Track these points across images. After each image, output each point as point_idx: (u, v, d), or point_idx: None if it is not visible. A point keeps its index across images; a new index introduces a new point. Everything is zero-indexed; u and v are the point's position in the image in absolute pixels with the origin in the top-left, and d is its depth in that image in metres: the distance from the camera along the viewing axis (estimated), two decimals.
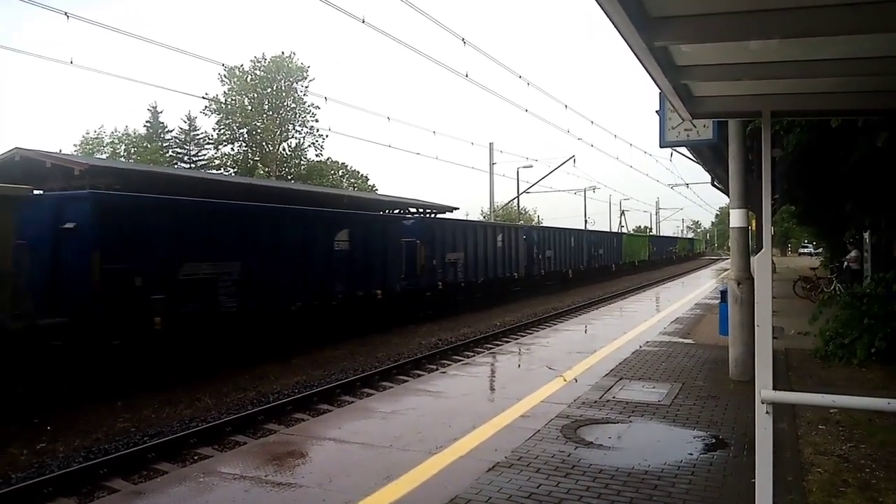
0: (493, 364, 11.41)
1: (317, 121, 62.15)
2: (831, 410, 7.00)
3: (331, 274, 16.91)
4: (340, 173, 66.23)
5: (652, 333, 14.00)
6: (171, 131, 64.35)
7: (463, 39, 20.20)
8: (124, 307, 11.52)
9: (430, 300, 22.55)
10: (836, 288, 18.43)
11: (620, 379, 9.26)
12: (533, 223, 68.44)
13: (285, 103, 60.77)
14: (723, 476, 5.40)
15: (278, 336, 15.24)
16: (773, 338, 3.63)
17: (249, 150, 61.22)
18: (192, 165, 61.39)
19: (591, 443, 6.33)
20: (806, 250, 72.83)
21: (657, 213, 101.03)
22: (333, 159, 66.39)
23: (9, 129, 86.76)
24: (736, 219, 9.42)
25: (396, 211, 32.59)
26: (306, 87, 60.94)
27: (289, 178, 58.76)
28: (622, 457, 5.90)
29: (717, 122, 9.40)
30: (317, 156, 64.58)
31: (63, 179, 17.80)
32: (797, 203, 24.61)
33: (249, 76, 58.85)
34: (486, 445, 6.28)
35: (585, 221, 63.60)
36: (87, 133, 61.93)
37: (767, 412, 3.43)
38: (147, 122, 63.76)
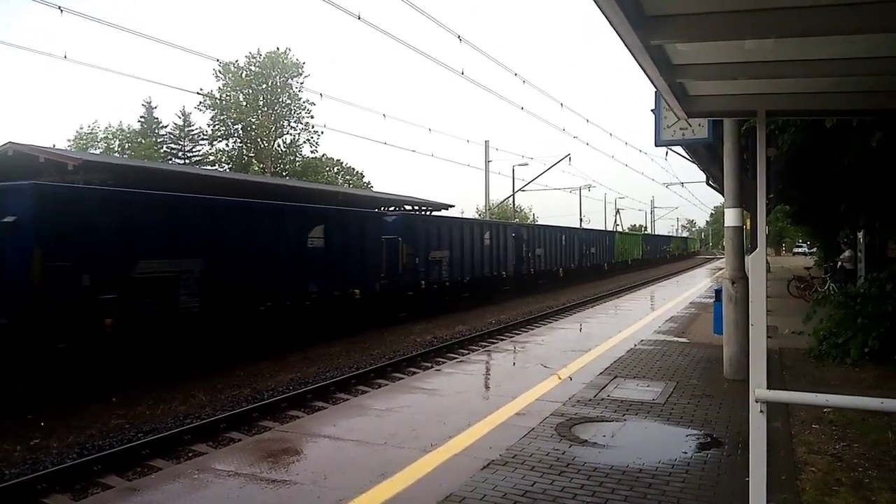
0: (488, 362, 11.41)
1: (312, 117, 62.25)
2: (825, 410, 7.03)
3: (304, 272, 16.08)
4: (336, 170, 66.23)
5: (646, 332, 14.03)
6: (165, 127, 64.29)
7: (459, 37, 20.18)
8: (70, 308, 10.72)
9: (412, 300, 21.74)
10: (830, 287, 18.48)
11: (615, 377, 9.28)
12: (528, 221, 68.50)
13: (280, 99, 60.74)
14: (717, 475, 5.41)
15: (246, 338, 14.38)
16: (768, 337, 3.64)
17: (244, 147, 61.17)
18: (187, 161, 61.29)
19: (586, 441, 6.34)
20: (800, 250, 73.08)
21: (652, 212, 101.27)
22: (328, 156, 66.47)
23: (2, 123, 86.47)
24: (731, 218, 9.44)
25: (392, 208, 32.59)
26: (301, 83, 60.96)
27: (284, 174, 58.72)
28: (617, 455, 5.91)
29: (712, 122, 9.42)
30: (312, 152, 64.66)
31: (57, 174, 17.78)
32: (792, 202, 24.69)
33: (244, 72, 58.82)
34: (481, 443, 6.29)
35: (581, 220, 63.67)
36: (81, 128, 61.78)
37: (761, 411, 3.44)
38: (141, 117, 63.66)
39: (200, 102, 59.28)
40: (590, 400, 7.96)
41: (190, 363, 12.76)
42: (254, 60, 59.25)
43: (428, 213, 33.90)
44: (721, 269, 31.79)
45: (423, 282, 22.06)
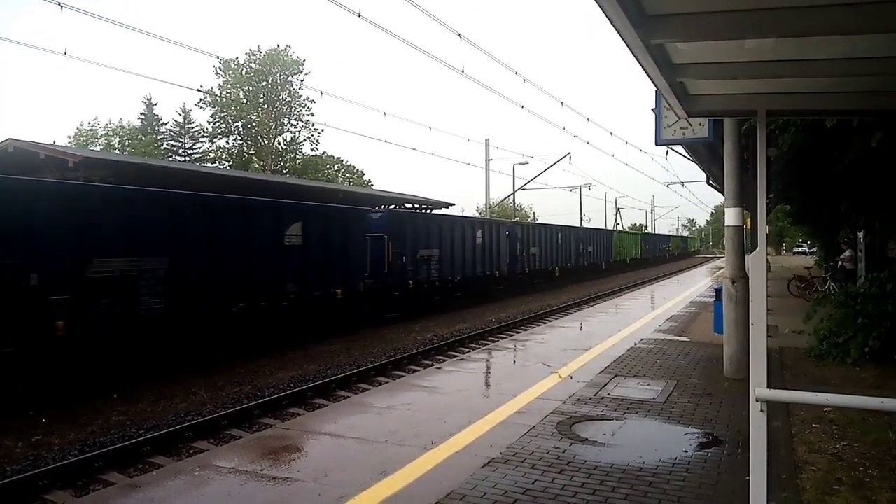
0: (488, 360, 11.43)
1: (312, 115, 62.13)
2: (825, 409, 7.04)
3: (281, 271, 15.28)
4: (336, 168, 66.21)
5: (647, 331, 14.04)
6: (165, 124, 64.29)
7: (459, 35, 20.19)
8: (16, 310, 10.00)
9: (399, 300, 20.98)
10: (831, 287, 18.49)
11: (615, 376, 9.29)
12: (529, 220, 68.49)
13: (281, 97, 60.64)
14: (717, 473, 5.42)
15: (215, 341, 13.64)
16: (768, 336, 3.65)
17: (244, 144, 61.13)
18: (187, 158, 61.28)
19: (586, 439, 6.35)
20: (800, 249, 73.09)
21: (652, 211, 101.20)
22: (329, 154, 66.46)
23: (3, 119, 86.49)
24: (731, 217, 9.45)
25: (392, 206, 32.61)
26: (302, 80, 60.85)
27: (284, 172, 58.69)
28: (617, 453, 5.92)
29: (712, 121, 9.42)
30: (312, 150, 64.59)
31: (57, 171, 17.81)
32: (792, 202, 24.69)
33: (245, 69, 58.72)
34: (482, 441, 6.30)
35: (581, 218, 63.68)
36: (82, 125, 61.75)
37: (762, 410, 3.46)
38: (141, 114, 63.66)
39: (201, 100, 59.26)
40: (590, 398, 7.98)
41: (151, 368, 12.03)
42: (254, 58, 59.18)
43: (428, 211, 33.87)
44: (721, 268, 31.78)
45: (410, 281, 21.39)
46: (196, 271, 13.02)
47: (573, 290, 33.59)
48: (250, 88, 59.24)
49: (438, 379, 9.52)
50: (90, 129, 60.28)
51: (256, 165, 58.10)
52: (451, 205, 39.07)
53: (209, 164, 55.26)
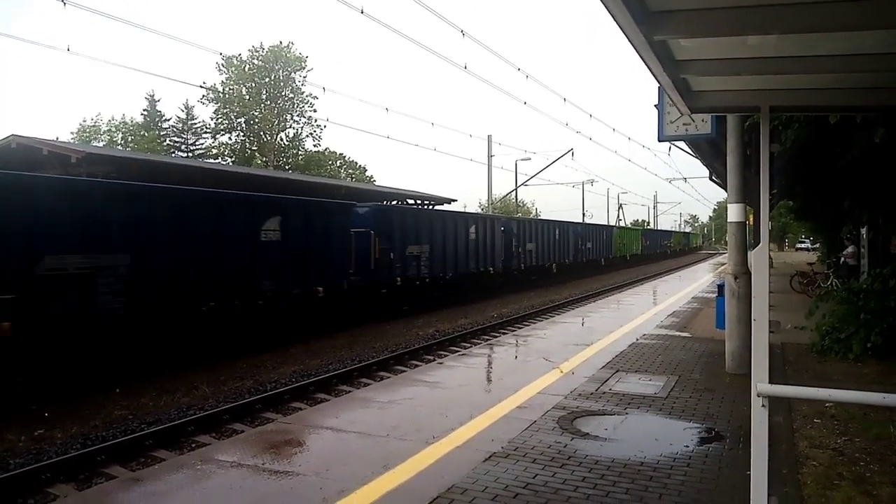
0: (490, 355, 11.44)
1: (315, 111, 62.21)
2: (827, 404, 7.04)
3: (257, 269, 14.56)
4: (338, 164, 66.21)
5: (649, 326, 14.05)
6: (168, 120, 64.43)
7: (462, 31, 20.22)
8: None
9: (386, 298, 20.32)
10: (833, 283, 18.49)
11: (617, 371, 9.30)
12: (531, 216, 68.44)
13: (283, 93, 60.68)
14: (718, 468, 5.43)
15: (183, 341, 12.87)
16: (770, 332, 3.65)
17: (247, 140, 61.17)
18: (190, 154, 61.38)
19: (588, 434, 6.36)
20: (803, 245, 73.13)
21: (655, 207, 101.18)
22: (331, 150, 66.47)
23: (6, 116, 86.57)
24: (734, 213, 9.45)
25: (394, 202, 32.63)
26: (304, 76, 60.92)
27: (287, 168, 58.71)
28: (618, 448, 5.93)
29: (715, 117, 9.42)
30: (315, 146, 64.62)
31: (60, 167, 17.83)
32: (795, 198, 24.67)
33: (247, 65, 58.73)
34: (483, 436, 6.31)
35: (583, 214, 63.63)
36: (84, 121, 62.01)
37: (763, 405, 3.46)
38: (144, 110, 63.81)
39: (203, 96, 59.36)
40: (591, 393, 7.99)
41: (110, 374, 11.26)
42: (257, 54, 59.20)
43: (431, 207, 33.86)
44: (723, 264, 31.73)
45: (399, 278, 20.75)
46: (162, 269, 12.32)
47: (572, 286, 33.28)
48: (253, 85, 59.26)
49: (440, 374, 9.54)
50: (93, 126, 60.45)
51: (259, 162, 58.14)
52: (454, 201, 39.11)
53: (212, 161, 55.26)
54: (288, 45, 60.25)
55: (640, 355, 10.59)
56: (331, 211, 17.79)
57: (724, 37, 3.20)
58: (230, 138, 61.77)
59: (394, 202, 32.71)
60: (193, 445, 8.40)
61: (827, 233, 29.41)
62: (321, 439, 6.43)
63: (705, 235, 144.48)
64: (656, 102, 9.71)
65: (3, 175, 10.79)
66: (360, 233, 18.66)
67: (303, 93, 61.15)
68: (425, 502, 4.72)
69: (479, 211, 53.87)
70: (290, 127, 62.63)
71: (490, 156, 41.85)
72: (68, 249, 10.78)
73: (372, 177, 67.57)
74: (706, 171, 19.49)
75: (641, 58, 3.21)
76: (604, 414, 7.11)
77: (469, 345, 15.09)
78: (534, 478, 5.18)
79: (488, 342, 13.79)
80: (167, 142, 61.97)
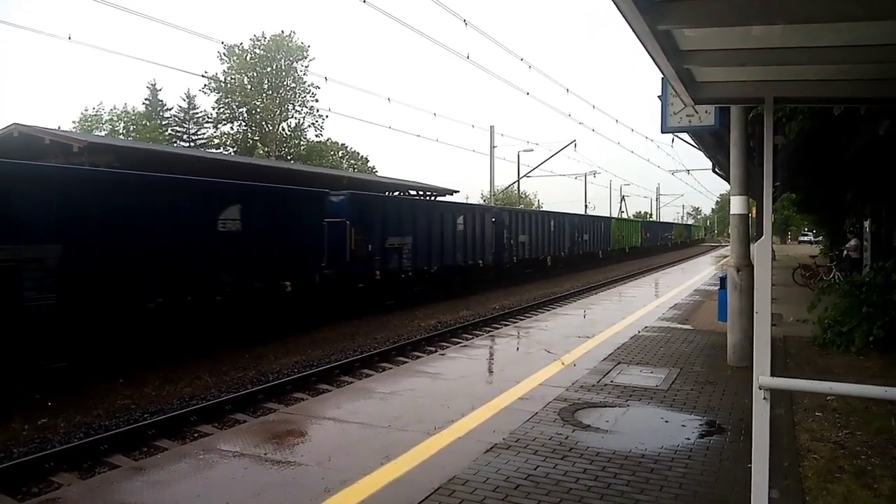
0: (491, 347, 11.46)
1: (317, 101, 62.06)
2: (828, 397, 7.04)
3: (214, 261, 13.44)
4: (340, 154, 66.14)
5: (650, 319, 14.05)
6: (170, 109, 64.33)
7: (464, 21, 20.14)
8: None
9: (363, 293, 19.11)
10: (836, 276, 18.47)
11: (618, 363, 9.30)
12: (533, 207, 68.39)
13: (285, 83, 60.54)
14: (719, 461, 5.44)
15: (126, 340, 11.91)
16: (772, 325, 3.64)
17: (249, 130, 61.08)
18: (192, 144, 61.34)
19: (589, 426, 6.37)
20: (806, 238, 72.95)
21: (657, 199, 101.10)
22: (333, 140, 66.39)
23: (7, 104, 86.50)
24: (736, 206, 9.43)
25: (397, 193, 32.60)
26: (306, 66, 60.74)
27: (288, 158, 58.68)
28: (619, 440, 5.94)
29: (719, 109, 9.38)
30: (317, 136, 64.54)
31: (62, 156, 17.82)
32: (798, 191, 24.65)
33: (249, 55, 58.58)
34: (484, 427, 6.33)
35: (586, 206, 63.53)
36: (86, 110, 61.91)
37: (765, 398, 3.46)
38: (146, 99, 63.73)
39: (205, 85, 59.19)
40: (593, 385, 8.00)
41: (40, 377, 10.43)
42: (259, 43, 59.01)
43: (432, 198, 33.83)
44: (725, 256, 31.66)
45: (378, 272, 19.45)
46: (101, 261, 11.25)
47: (571, 279, 32.84)
48: (255, 74, 59.12)
49: (442, 365, 9.55)
50: (95, 115, 60.47)
51: (261, 151, 58.09)
52: (456, 192, 39.03)
53: (214, 150, 55.25)
54: (290, 35, 60.11)
55: (642, 347, 10.59)
56: (300, 199, 16.55)
57: (728, 27, 3.17)
58: (232, 128, 61.78)
59: (396, 193, 32.67)
60: (196, 435, 8.42)
61: (830, 225, 29.38)
62: (323, 429, 6.45)
63: (708, 228, 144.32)
64: (660, 94, 9.68)
65: None
66: (334, 223, 17.53)
67: (305, 82, 61.06)
68: (427, 493, 4.73)
69: (482, 202, 53.74)
70: (292, 117, 62.58)
71: (492, 147, 41.76)
72: None
73: (374, 167, 67.56)
74: (709, 163, 19.46)
75: (645, 48, 3.19)
76: (605, 406, 7.12)
77: (471, 336, 15.11)
78: (535, 469, 5.19)
79: (490, 334, 13.81)
80: (169, 131, 61.93)
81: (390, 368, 11.48)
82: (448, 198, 36.06)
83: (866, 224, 17.73)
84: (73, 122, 60.45)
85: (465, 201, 43.51)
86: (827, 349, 10.17)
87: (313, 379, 11.19)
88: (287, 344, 14.34)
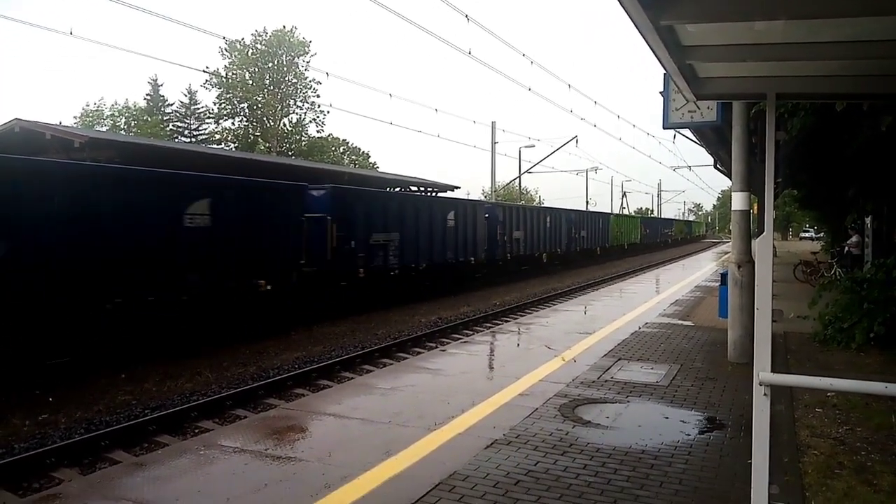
0: (492, 343, 11.46)
1: (318, 96, 62.00)
2: (828, 394, 7.05)
3: (180, 259, 12.69)
4: (341, 150, 66.11)
5: (651, 315, 14.05)
6: (171, 105, 64.21)
7: (466, 16, 20.10)
8: None
9: (347, 291, 18.23)
10: (837, 272, 18.46)
11: (619, 359, 9.31)
12: (535, 203, 68.35)
13: (286, 78, 60.45)
14: (719, 457, 5.44)
15: (80, 344, 11.11)
16: (773, 321, 3.64)
17: (250, 125, 61.04)
18: (193, 139, 61.25)
19: (589, 422, 6.37)
20: (807, 234, 72.93)
21: (659, 195, 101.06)
22: (334, 135, 66.34)
23: (8, 100, 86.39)
24: (738, 202, 9.42)
25: (398, 189, 32.56)
26: (307, 62, 60.61)
27: (290, 154, 58.64)
28: (619, 436, 5.95)
29: (721, 104, 9.38)
30: (318, 132, 64.49)
31: (63, 151, 17.81)
32: (800, 187, 24.60)
33: (250, 50, 58.53)
34: (485, 423, 6.33)
35: (587, 202, 63.50)
36: (87, 105, 61.83)
37: (765, 394, 3.45)
38: (147, 95, 63.56)
39: (206, 81, 59.12)
40: (593, 381, 8.00)
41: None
42: (260, 39, 58.93)
43: (434, 194, 33.79)
44: (726, 252, 31.65)
45: (361, 269, 18.61)
46: (49, 259, 10.52)
47: (568, 276, 32.41)
48: (256, 69, 59.04)
49: (442, 361, 9.56)
50: (96, 110, 60.43)
51: (262, 147, 58.07)
52: (457, 188, 38.95)
53: (215, 146, 55.20)
54: (291, 30, 60.03)
55: (643, 344, 10.59)
56: (276, 192, 15.69)
57: (730, 22, 3.16)
58: (233, 123, 61.69)
59: (397, 189, 32.64)
60: (197, 431, 8.44)
61: (831, 222, 29.32)
62: (324, 425, 6.46)
63: (709, 224, 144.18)
64: (662, 89, 9.68)
65: None
66: (314, 218, 16.74)
67: (306, 78, 60.99)
68: (427, 488, 4.74)
69: (483, 198, 53.68)
70: (294, 112, 62.53)
71: (494, 143, 41.70)
72: None
73: (375, 163, 67.53)
74: (711, 160, 19.45)
75: (647, 43, 3.18)
76: (605, 402, 7.12)
77: (471, 332, 15.11)
78: (535, 465, 5.20)
79: (491, 330, 13.81)
80: (170, 126, 61.86)
81: (391, 364, 11.48)
82: (449, 194, 36.01)
83: (868, 221, 17.71)
84: (75, 117, 60.46)
85: (465, 197, 43.41)
86: (827, 346, 10.17)
87: (314, 375, 11.20)
88: (287, 339, 14.35)
